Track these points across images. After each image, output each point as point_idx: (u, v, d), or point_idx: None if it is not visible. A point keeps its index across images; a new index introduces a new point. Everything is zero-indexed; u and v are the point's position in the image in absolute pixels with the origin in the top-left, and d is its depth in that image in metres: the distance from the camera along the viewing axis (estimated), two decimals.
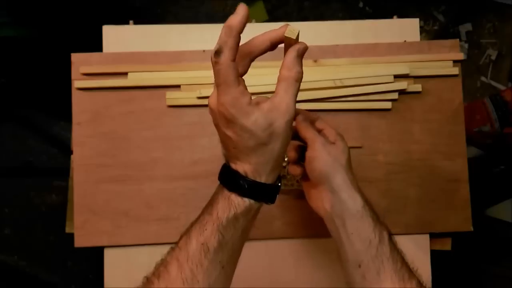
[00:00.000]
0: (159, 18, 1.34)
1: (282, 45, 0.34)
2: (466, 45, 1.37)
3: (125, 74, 0.56)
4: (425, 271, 0.55)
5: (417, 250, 0.56)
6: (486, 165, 1.05)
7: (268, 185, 0.35)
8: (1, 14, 0.96)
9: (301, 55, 0.33)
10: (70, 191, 0.57)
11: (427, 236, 0.57)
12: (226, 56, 0.30)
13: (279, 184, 0.37)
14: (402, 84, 0.55)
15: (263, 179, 0.34)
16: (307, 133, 0.41)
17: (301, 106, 0.55)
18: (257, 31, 0.34)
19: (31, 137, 1.28)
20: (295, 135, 0.43)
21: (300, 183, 0.45)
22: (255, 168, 0.33)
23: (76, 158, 0.56)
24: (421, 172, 0.56)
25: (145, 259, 0.53)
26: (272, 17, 1.35)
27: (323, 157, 0.40)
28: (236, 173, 0.34)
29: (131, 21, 0.60)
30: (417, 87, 0.56)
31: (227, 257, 0.35)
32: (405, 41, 0.58)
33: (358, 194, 0.39)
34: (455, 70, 0.57)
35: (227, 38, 0.30)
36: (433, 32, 1.38)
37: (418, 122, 0.57)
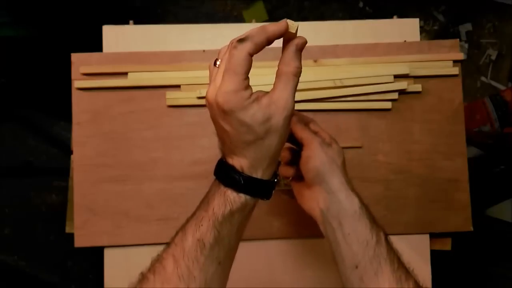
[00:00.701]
0: (159, 18, 1.34)
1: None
2: (466, 45, 1.37)
3: (125, 74, 0.56)
4: (425, 271, 0.55)
5: (417, 250, 0.56)
6: (486, 165, 1.05)
7: (264, 181, 0.34)
8: (1, 14, 0.97)
9: (300, 49, 0.32)
10: (70, 191, 0.57)
11: (427, 236, 0.57)
12: (247, 46, 0.30)
13: (276, 180, 0.37)
14: (402, 84, 0.55)
15: (259, 174, 0.34)
16: (303, 133, 0.41)
17: (301, 106, 0.55)
18: None
19: (31, 137, 1.27)
20: (288, 136, 0.43)
21: (288, 184, 0.45)
22: (251, 164, 0.33)
23: (76, 158, 0.56)
24: (421, 172, 0.56)
25: (145, 259, 0.53)
26: (272, 17, 1.35)
27: (321, 157, 0.39)
28: (232, 168, 0.33)
29: (131, 21, 0.60)
30: (417, 87, 0.56)
31: (224, 253, 0.34)
32: (405, 41, 0.58)
33: (355, 195, 0.39)
34: (455, 70, 0.57)
35: (257, 34, 0.30)
36: (433, 32, 1.38)
37: (418, 122, 0.57)
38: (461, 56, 0.57)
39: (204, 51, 0.56)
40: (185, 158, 0.56)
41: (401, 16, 0.60)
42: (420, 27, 0.76)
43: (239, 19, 1.37)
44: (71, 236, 0.55)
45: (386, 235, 0.39)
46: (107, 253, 0.55)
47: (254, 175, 0.34)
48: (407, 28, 0.60)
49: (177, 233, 0.35)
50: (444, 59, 0.57)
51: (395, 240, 0.40)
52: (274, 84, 0.33)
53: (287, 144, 0.44)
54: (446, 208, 0.56)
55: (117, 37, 0.58)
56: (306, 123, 0.44)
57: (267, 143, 0.32)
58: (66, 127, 1.26)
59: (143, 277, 0.34)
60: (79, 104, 0.56)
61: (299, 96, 0.54)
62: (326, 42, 0.58)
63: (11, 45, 1.12)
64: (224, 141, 0.34)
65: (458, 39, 0.58)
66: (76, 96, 0.56)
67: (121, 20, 0.59)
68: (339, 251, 0.38)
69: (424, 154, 0.57)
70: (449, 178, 0.56)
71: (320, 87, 0.55)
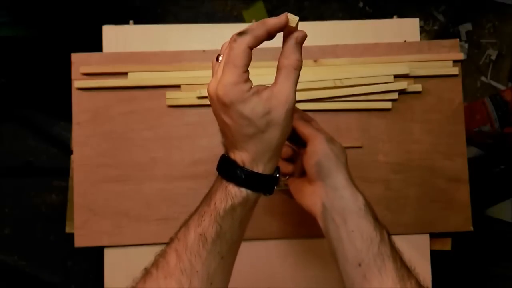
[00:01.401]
0: (159, 18, 1.34)
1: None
2: (466, 45, 1.37)
3: (125, 74, 0.56)
4: (425, 271, 0.55)
5: (417, 250, 0.56)
6: (486, 165, 1.05)
7: (266, 176, 0.34)
8: (1, 14, 0.97)
9: (299, 43, 0.32)
10: (70, 191, 0.57)
11: (427, 236, 0.57)
12: (247, 39, 0.30)
13: (278, 175, 0.36)
14: (402, 84, 0.55)
15: (260, 169, 0.34)
16: (307, 129, 0.41)
17: (301, 106, 0.55)
18: None
19: (31, 137, 1.27)
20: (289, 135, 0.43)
21: (287, 184, 0.45)
22: (252, 158, 0.33)
23: (76, 158, 0.56)
24: (421, 172, 0.56)
25: (145, 259, 0.53)
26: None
27: (326, 152, 0.39)
28: (233, 162, 0.33)
29: (131, 21, 0.60)
30: (417, 87, 0.56)
31: (226, 248, 0.34)
32: (405, 41, 0.58)
33: (359, 193, 0.39)
34: (455, 70, 0.57)
35: (257, 27, 0.30)
36: (433, 32, 1.38)
37: (418, 122, 0.57)
38: (461, 56, 0.57)
39: (204, 51, 0.56)
40: (185, 158, 0.56)
41: (401, 16, 0.60)
42: (420, 27, 0.76)
43: (239, 19, 1.37)
44: (71, 236, 0.55)
45: (389, 234, 0.38)
46: (107, 253, 0.55)
47: (255, 170, 0.33)
48: (407, 28, 0.60)
49: (180, 228, 0.35)
50: (444, 59, 0.57)
51: (395, 240, 0.40)
52: (275, 78, 0.33)
53: (287, 144, 0.44)
54: (446, 208, 0.56)
55: (117, 37, 0.58)
56: (307, 121, 0.44)
57: (268, 136, 0.32)
58: (66, 127, 1.26)
59: (146, 271, 0.34)
60: (79, 104, 0.56)
61: (299, 96, 0.54)
62: (326, 42, 0.58)
63: (11, 45, 1.12)
64: (226, 135, 0.34)
65: (458, 39, 0.58)
66: (76, 96, 0.56)
67: (121, 20, 0.59)
68: (341, 248, 0.37)
69: (424, 154, 0.57)
70: (449, 178, 0.56)
71: (320, 87, 0.55)
